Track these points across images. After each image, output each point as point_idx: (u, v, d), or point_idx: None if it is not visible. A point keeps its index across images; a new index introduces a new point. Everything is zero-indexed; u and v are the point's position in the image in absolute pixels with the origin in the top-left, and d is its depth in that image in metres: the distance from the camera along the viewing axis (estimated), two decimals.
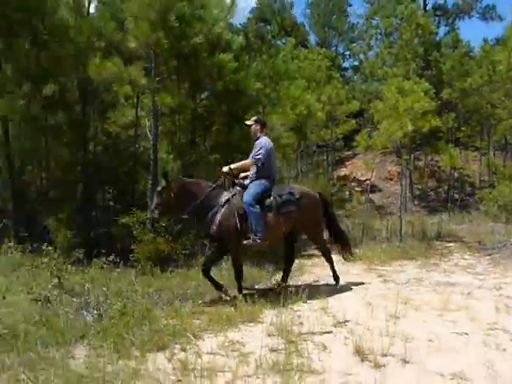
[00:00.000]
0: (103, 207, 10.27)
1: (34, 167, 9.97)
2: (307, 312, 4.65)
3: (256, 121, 5.37)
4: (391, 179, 21.60)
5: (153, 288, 5.19)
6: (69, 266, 5.22)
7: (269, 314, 4.48)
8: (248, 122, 5.43)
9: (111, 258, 5.73)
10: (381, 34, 24.94)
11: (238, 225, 4.84)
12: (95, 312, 4.19)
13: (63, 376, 2.78)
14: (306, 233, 5.59)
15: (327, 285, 6.23)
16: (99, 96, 9.65)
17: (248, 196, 4.92)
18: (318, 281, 6.49)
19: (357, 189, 20.89)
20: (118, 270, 6.39)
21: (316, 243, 5.73)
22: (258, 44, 11.60)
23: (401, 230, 10.38)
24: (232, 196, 5.01)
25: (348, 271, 7.07)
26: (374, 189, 19.94)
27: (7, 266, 5.65)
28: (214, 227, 4.90)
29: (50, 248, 5.18)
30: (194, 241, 7.04)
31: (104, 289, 4.96)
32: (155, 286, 5.32)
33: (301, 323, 4.20)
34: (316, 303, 5.07)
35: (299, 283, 6.30)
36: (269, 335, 3.85)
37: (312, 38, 33.84)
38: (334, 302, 5.13)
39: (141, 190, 10.08)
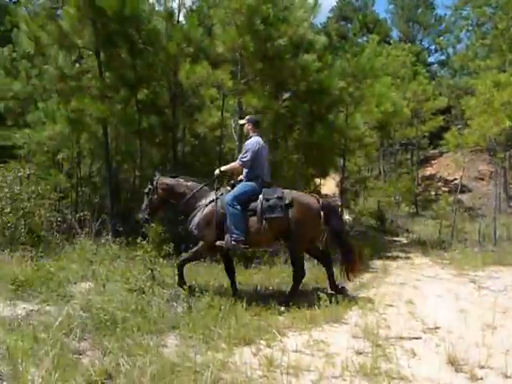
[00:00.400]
0: None
1: (129, 166, 10.65)
2: (394, 315, 4.44)
3: (248, 120, 5.08)
4: (482, 179, 20.01)
5: (238, 283, 5.27)
6: (160, 260, 5.47)
7: (353, 315, 4.35)
8: (241, 122, 5.23)
9: None
10: (472, 24, 23.23)
11: (215, 224, 4.66)
12: (185, 304, 4.35)
13: (157, 363, 2.91)
14: (289, 241, 4.78)
15: (414, 287, 5.91)
16: (187, 99, 10.04)
17: (230, 196, 4.68)
18: (404, 284, 6.18)
19: (443, 189, 19.65)
20: (205, 264, 6.63)
21: (291, 253, 4.95)
22: (341, 43, 11.35)
23: (495, 233, 9.56)
24: (219, 196, 4.82)
25: (437, 275, 6.66)
26: (463, 189, 18.61)
27: (106, 258, 6.07)
28: (192, 226, 4.81)
29: (143, 242, 5.46)
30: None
31: (193, 282, 5.15)
32: (239, 282, 5.39)
33: (387, 327, 4.02)
34: (402, 307, 4.83)
35: (383, 285, 6.05)
36: (354, 337, 3.72)
37: (395, 34, 32.56)
38: (422, 306, 4.85)
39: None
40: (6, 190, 7.27)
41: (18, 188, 7.37)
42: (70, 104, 8.46)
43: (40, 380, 2.57)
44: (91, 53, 8.94)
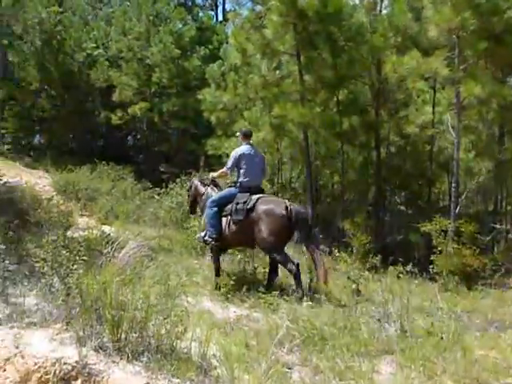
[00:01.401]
0: (395, 211, 10.21)
1: (329, 171, 10.81)
2: None
3: (240, 132, 5.90)
4: None
5: (460, 308, 4.69)
6: (366, 273, 5.27)
7: None
8: (237, 134, 6.17)
9: (408, 267, 5.51)
10: None
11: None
12: (398, 326, 4.04)
13: None
14: (258, 244, 5.24)
15: None
16: (392, 96, 9.65)
17: (210, 199, 5.55)
18: None
19: None
20: (416, 281, 6.13)
21: (269, 256, 5.37)
22: None
23: None
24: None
25: None
26: None
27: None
28: None
29: (346, 253, 5.35)
30: (508, 256, 6.07)
31: (404, 301, 4.79)
32: (462, 306, 4.79)
33: None
34: None
35: None
36: None
37: None
38: None
39: (437, 192, 9.52)
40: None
41: None
42: (272, 110, 9.04)
43: None
44: (291, 58, 9.40)
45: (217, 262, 5.58)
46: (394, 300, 4.62)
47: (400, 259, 5.74)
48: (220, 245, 5.45)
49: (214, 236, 5.35)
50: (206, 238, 5.44)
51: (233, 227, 5.29)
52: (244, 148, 5.57)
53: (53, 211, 7.76)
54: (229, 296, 4.96)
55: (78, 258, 3.97)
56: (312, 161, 9.83)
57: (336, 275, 5.71)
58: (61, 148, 19.41)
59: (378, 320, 4.19)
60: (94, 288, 3.25)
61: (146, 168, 18.63)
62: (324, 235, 8.32)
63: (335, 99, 9.19)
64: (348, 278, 5.17)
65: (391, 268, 5.79)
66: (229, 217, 5.32)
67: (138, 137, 24.38)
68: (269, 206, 5.17)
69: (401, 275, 5.57)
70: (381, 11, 9.50)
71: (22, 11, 17.99)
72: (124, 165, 16.08)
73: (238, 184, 5.48)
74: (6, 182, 7.96)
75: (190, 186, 6.49)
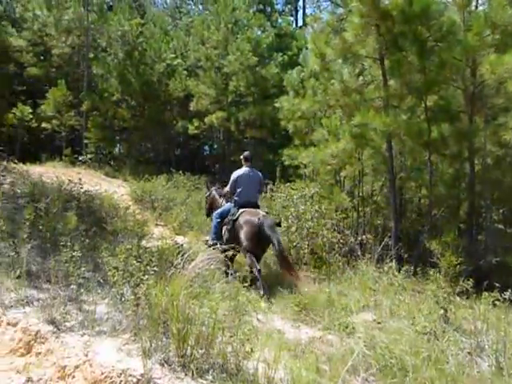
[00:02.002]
0: (491, 230, 9.51)
1: (415, 184, 10.34)
2: None
3: (242, 155, 7.25)
4: None
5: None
6: (456, 297, 4.94)
7: None
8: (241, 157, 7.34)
9: (507, 294, 5.07)
10: None
11: None
12: (492, 362, 3.72)
13: None
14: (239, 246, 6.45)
15: None
16: (488, 100, 9.04)
17: (216, 211, 7.24)
18: None
19: None
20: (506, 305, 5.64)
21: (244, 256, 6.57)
22: None
23: None
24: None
25: None
26: None
27: (390, 288, 5.92)
28: None
29: (436, 275, 5.06)
30: None
31: (501, 333, 4.41)
32: None
33: None
34: None
35: None
36: None
37: None
38: None
39: None
40: (292, 210, 8.14)
41: (303, 207, 8.13)
42: (352, 119, 8.85)
43: None
44: (374, 62, 9.18)
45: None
46: (489, 331, 4.29)
47: (496, 284, 5.30)
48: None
49: (215, 241, 6.68)
50: (210, 241, 6.87)
51: (227, 234, 6.79)
52: (242, 170, 7.02)
53: (129, 220, 8.19)
54: (301, 315, 4.88)
55: (148, 268, 4.11)
56: (396, 173, 9.46)
57: (421, 298, 5.42)
58: (139, 157, 20.55)
59: (469, 353, 3.89)
60: (162, 300, 3.34)
61: (221, 178, 19.13)
62: (408, 254, 7.96)
63: (423, 105, 8.78)
64: (436, 302, 4.88)
65: (485, 294, 5.37)
66: (225, 226, 6.84)
67: (215, 146, 25.17)
68: (246, 217, 6.52)
69: (497, 303, 5.15)
70: (477, 7, 9.00)
71: (106, 25, 19.41)
72: (200, 175, 16.65)
73: (234, 201, 6.91)
74: (86, 191, 8.52)
75: (209, 194, 8.21)
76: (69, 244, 4.44)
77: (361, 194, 10.81)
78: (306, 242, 7.53)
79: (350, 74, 9.94)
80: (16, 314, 3.77)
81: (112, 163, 19.74)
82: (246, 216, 6.52)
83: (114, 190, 12.56)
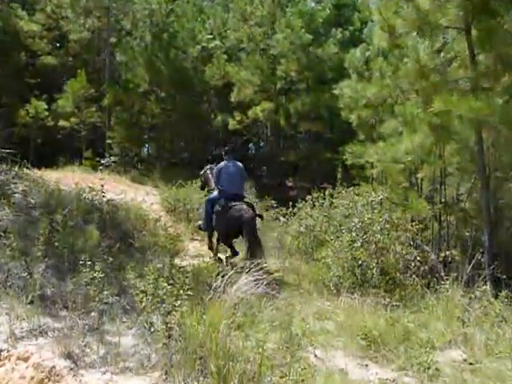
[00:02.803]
0: None
1: None
2: None
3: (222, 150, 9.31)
4: None
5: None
6: None
7: None
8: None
9: None
10: None
11: None
12: None
13: None
14: None
15: None
16: None
17: (208, 197, 8.89)
18: None
19: None
20: None
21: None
22: None
23: None
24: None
25: None
26: None
27: (484, 318, 5.70)
28: None
29: None
30: None
31: None
32: None
33: None
34: None
35: None
36: None
37: None
38: None
39: None
40: (357, 220, 8.00)
41: (370, 217, 7.98)
42: (432, 106, 8.63)
43: None
44: (458, 33, 8.94)
45: (210, 242, 8.91)
46: None
47: None
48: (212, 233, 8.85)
49: (205, 226, 8.74)
50: (201, 226, 9.06)
51: (215, 223, 8.41)
52: (224, 163, 8.73)
53: (160, 234, 8.34)
54: (370, 351, 4.78)
55: (182, 292, 4.14)
56: (489, 172, 9.17)
57: None
58: (171, 159, 20.92)
59: None
60: (198, 331, 3.35)
61: (269, 182, 19.22)
62: (507, 275, 7.65)
63: None
64: None
65: None
66: (214, 215, 8.36)
67: (261, 144, 25.34)
68: (232, 212, 8.03)
69: None
70: None
71: (130, 3, 19.87)
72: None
73: (219, 190, 8.47)
74: (110, 200, 8.74)
75: (204, 173, 9.87)
76: (89, 263, 4.54)
77: (443, 200, 10.53)
78: (375, 260, 7.37)
79: (427, 50, 9.72)
80: (28, 346, 3.88)
81: (139, 167, 20.21)
82: (232, 209, 8.13)
83: (142, 198, 12.82)
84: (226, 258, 8.44)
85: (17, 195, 7.63)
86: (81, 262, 4.62)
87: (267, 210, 12.33)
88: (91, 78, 20.03)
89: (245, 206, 8.27)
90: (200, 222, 9.24)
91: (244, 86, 18.67)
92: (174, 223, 11.02)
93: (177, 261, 6.46)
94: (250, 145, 26.76)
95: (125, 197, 10.94)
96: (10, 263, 5.06)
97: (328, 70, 18.46)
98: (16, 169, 9.37)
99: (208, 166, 9.87)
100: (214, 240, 8.89)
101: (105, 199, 8.48)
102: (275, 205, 12.31)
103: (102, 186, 8.55)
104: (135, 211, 9.55)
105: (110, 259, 5.51)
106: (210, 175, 9.54)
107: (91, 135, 21.07)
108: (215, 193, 8.76)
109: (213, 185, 9.13)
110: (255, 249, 7.83)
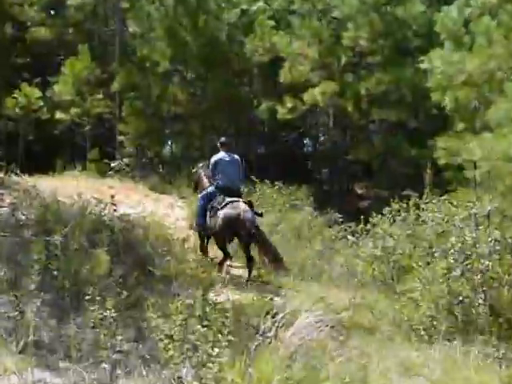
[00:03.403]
0: None
1: None
2: None
3: (219, 141, 10.55)
4: None
5: None
6: None
7: None
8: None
9: None
10: None
11: None
12: None
13: None
14: None
15: None
16: None
17: (201, 194, 10.18)
18: None
19: None
20: None
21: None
22: None
23: None
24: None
25: None
26: None
27: None
28: None
29: None
30: None
31: None
32: None
33: None
34: None
35: None
36: None
37: None
38: None
39: None
40: (454, 239, 7.84)
41: (472, 235, 7.81)
42: None
43: None
44: None
45: (202, 243, 9.96)
46: None
47: None
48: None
49: (199, 224, 9.84)
50: (195, 226, 10.31)
51: (209, 222, 9.42)
52: (220, 155, 9.95)
53: (188, 259, 8.35)
54: None
55: (221, 336, 4.13)
56: None
57: None
58: (200, 160, 20.94)
59: None
60: None
61: (332, 189, 19.17)
62: None
63: None
64: None
65: None
66: (208, 213, 9.46)
67: (321, 139, 25.26)
68: (228, 209, 9.10)
69: None
70: None
71: None
72: (298, 184, 16.64)
73: (216, 185, 9.66)
74: (123, 215, 8.80)
75: (196, 172, 11.17)
76: (98, 298, 4.57)
77: None
78: (482, 295, 7.24)
79: None
80: None
81: (160, 170, 20.29)
82: (228, 207, 9.21)
83: (165, 211, 12.93)
84: (227, 265, 9.46)
85: (3, 210, 7.75)
86: (86, 298, 4.66)
87: (330, 227, 12.28)
88: (96, 55, 20.25)
89: (242, 205, 9.28)
90: (197, 221, 10.19)
91: (297, 61, 18.66)
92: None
93: (212, 295, 6.47)
94: (306, 140, 26.74)
95: (142, 210, 11.05)
96: None
97: (412, 36, 18.28)
98: (1, 175, 9.51)
99: (200, 165, 11.22)
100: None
101: (116, 214, 8.55)
102: (341, 219, 12.25)
103: (113, 196, 8.63)
104: (156, 229, 9.62)
105: (125, 293, 5.54)
106: (202, 173, 10.76)
107: (97, 130, 21.29)
108: (211, 187, 9.93)
109: (206, 185, 10.29)
110: (251, 262, 9.24)
